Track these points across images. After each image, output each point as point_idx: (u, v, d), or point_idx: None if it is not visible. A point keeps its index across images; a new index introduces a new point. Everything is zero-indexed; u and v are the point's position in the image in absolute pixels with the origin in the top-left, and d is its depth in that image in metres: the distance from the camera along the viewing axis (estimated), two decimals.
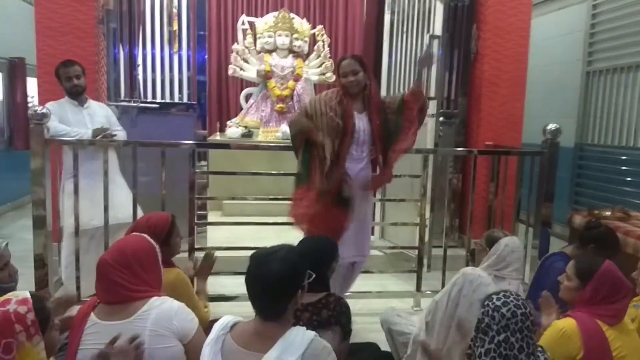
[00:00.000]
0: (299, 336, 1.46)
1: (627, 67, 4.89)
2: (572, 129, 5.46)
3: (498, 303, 1.54)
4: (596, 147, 5.32)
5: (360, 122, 2.73)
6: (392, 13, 4.43)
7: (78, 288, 3.10)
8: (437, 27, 3.86)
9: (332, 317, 2.01)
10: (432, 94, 3.89)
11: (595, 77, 5.34)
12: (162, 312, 1.66)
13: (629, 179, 4.80)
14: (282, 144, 5.06)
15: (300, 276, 1.54)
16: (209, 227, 4.20)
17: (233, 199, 4.52)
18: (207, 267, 2.54)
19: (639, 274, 2.25)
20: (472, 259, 2.70)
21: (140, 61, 4.10)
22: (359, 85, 2.70)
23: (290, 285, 1.50)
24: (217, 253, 3.55)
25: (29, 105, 6.18)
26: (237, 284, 3.31)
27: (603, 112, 5.22)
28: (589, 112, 5.41)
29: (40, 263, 2.99)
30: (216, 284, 3.42)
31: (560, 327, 1.82)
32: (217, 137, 6.15)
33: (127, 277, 1.68)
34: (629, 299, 1.93)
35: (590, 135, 5.40)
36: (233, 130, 5.84)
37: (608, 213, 3.63)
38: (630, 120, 4.84)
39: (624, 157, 4.91)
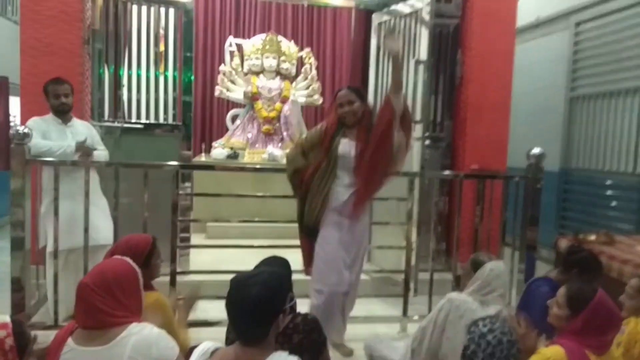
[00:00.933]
0: None
1: (609, 93, 4.99)
2: (557, 154, 5.53)
3: (484, 330, 1.53)
4: (581, 171, 5.38)
5: (346, 147, 2.78)
6: (378, 38, 4.49)
7: (56, 312, 3.02)
8: (423, 52, 3.91)
9: (304, 339, 1.95)
10: (417, 117, 3.92)
11: (579, 103, 5.43)
12: (141, 339, 1.62)
13: (613, 203, 4.85)
14: (268, 166, 5.04)
15: (282, 300, 1.51)
16: (192, 250, 4.13)
17: (216, 220, 4.46)
18: (191, 301, 2.47)
19: (626, 298, 2.24)
20: (458, 284, 2.68)
21: (125, 81, 4.08)
22: (355, 115, 2.77)
23: (271, 309, 1.47)
24: (200, 277, 3.54)
25: (11, 124, 6.10)
26: (220, 309, 3.20)
27: (587, 136, 5.30)
28: (574, 137, 5.49)
29: (18, 286, 2.91)
30: (198, 308, 3.33)
31: (547, 356, 1.79)
32: (202, 158, 6.11)
33: (107, 302, 1.63)
34: (618, 329, 1.90)
35: (575, 159, 5.47)
36: (219, 151, 5.80)
37: (593, 237, 3.64)
38: (614, 145, 4.91)
39: (608, 182, 4.97)
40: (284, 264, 2.12)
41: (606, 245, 3.50)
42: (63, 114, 3.21)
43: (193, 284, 3.33)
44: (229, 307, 1.47)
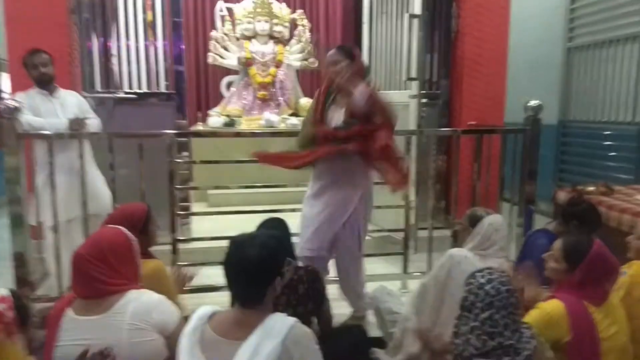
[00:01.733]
0: (279, 322, 1.44)
1: (607, 41, 4.89)
2: (555, 106, 5.47)
3: (482, 280, 1.53)
4: (579, 123, 5.34)
5: (333, 114, 2.63)
6: None
7: (60, 285, 3.05)
8: (417, 6, 3.81)
9: (308, 289, 2.00)
10: (413, 74, 3.86)
11: (577, 53, 5.34)
12: (141, 305, 1.64)
13: (612, 153, 4.83)
14: (266, 131, 5.01)
15: (279, 263, 1.52)
16: (194, 219, 4.15)
17: (216, 188, 4.46)
18: (183, 280, 2.47)
19: (633, 238, 2.24)
20: (456, 240, 2.69)
21: (115, 52, 4.00)
22: (339, 75, 2.55)
23: (269, 271, 1.47)
24: (202, 244, 3.57)
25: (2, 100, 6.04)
26: (221, 275, 3.28)
27: (585, 87, 5.23)
28: (571, 89, 5.42)
29: (20, 261, 2.93)
30: (202, 275, 3.38)
31: (547, 311, 1.79)
32: (199, 127, 6.05)
33: (103, 271, 1.64)
34: (616, 277, 1.90)
35: (573, 111, 5.42)
36: (215, 119, 5.75)
37: (592, 188, 3.64)
38: (612, 95, 4.86)
39: (606, 132, 4.93)
40: (282, 225, 2.14)
41: (605, 195, 3.50)
42: (45, 84, 3.16)
43: (196, 252, 3.40)
44: (227, 268, 1.48)
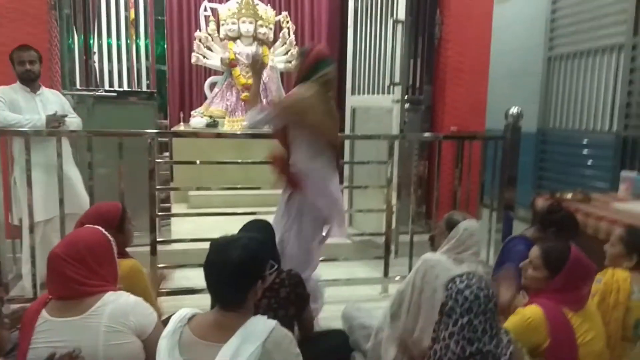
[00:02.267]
0: (260, 325, 1.43)
1: (586, 51, 4.99)
2: (534, 114, 5.55)
3: (461, 286, 1.53)
4: (558, 131, 5.42)
5: None
6: (356, 0, 4.39)
7: (34, 285, 2.99)
8: (401, 12, 3.84)
9: (291, 293, 1.99)
10: (397, 79, 3.89)
11: (557, 62, 5.43)
12: (118, 307, 1.60)
13: (589, 161, 4.92)
14: (248, 133, 4.98)
15: (261, 265, 1.51)
16: (174, 220, 4.10)
17: (197, 189, 4.42)
18: (158, 281, 2.44)
19: (609, 246, 2.28)
20: (432, 244, 2.71)
21: (96, 49, 3.94)
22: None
23: (250, 274, 1.46)
24: (182, 245, 3.53)
25: None
26: (201, 277, 3.23)
27: (564, 96, 5.32)
28: (551, 97, 5.51)
29: None
30: (181, 277, 3.34)
31: (527, 317, 1.80)
32: (181, 127, 6.01)
33: (79, 271, 1.60)
34: (592, 282, 1.93)
35: (552, 119, 5.51)
36: (197, 120, 5.71)
37: (569, 196, 3.69)
38: (590, 104, 4.95)
39: (584, 141, 5.03)
40: (265, 227, 2.12)
41: (582, 203, 3.55)
42: (29, 81, 3.10)
43: (175, 253, 3.36)
44: (208, 271, 1.46)
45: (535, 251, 1.94)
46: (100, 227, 1.78)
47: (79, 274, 1.60)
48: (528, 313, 1.81)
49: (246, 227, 2.05)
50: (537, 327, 1.77)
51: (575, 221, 2.64)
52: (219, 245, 1.47)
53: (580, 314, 1.82)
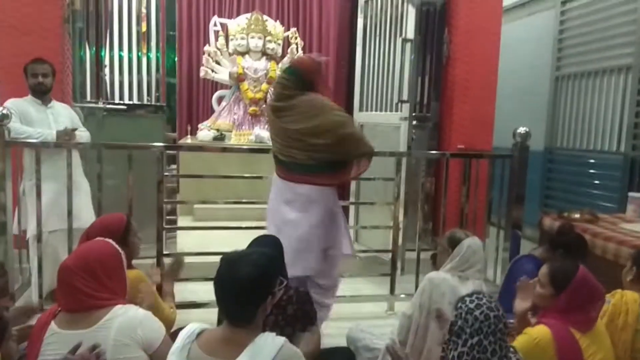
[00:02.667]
0: (269, 342, 1.42)
1: (594, 72, 5.00)
2: (541, 133, 5.55)
3: (471, 305, 1.52)
4: (565, 150, 5.41)
5: None
6: (365, 17, 4.44)
7: (41, 296, 2.99)
8: (410, 31, 3.88)
9: (298, 310, 1.97)
10: (405, 97, 3.91)
11: (564, 82, 5.44)
12: (126, 320, 1.60)
13: (596, 181, 4.90)
14: (255, 147, 5.01)
15: (272, 282, 1.51)
16: (179, 233, 4.10)
17: (203, 202, 4.43)
18: (175, 269, 2.45)
19: (625, 272, 2.27)
20: (434, 263, 2.70)
21: (107, 62, 3.98)
22: None
23: (261, 291, 1.45)
24: (188, 259, 3.51)
25: None
26: (207, 290, 3.21)
27: (572, 116, 5.32)
28: (558, 116, 5.51)
29: (1, 271, 2.85)
30: (186, 290, 3.33)
31: (534, 337, 1.80)
32: (188, 140, 6.04)
33: (89, 284, 1.61)
34: (602, 304, 1.92)
35: (559, 138, 5.50)
36: (204, 133, 5.74)
37: (577, 215, 3.68)
38: (598, 124, 4.95)
39: (591, 161, 5.01)
40: (275, 243, 2.12)
41: (590, 223, 3.54)
42: (41, 94, 3.13)
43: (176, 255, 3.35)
44: (218, 286, 1.45)
45: (543, 269, 1.96)
46: (110, 240, 1.79)
47: (88, 287, 1.60)
48: (535, 333, 1.81)
49: (255, 243, 2.04)
50: (545, 348, 1.77)
51: (584, 243, 2.64)
52: (230, 261, 1.47)
53: (588, 335, 1.82)
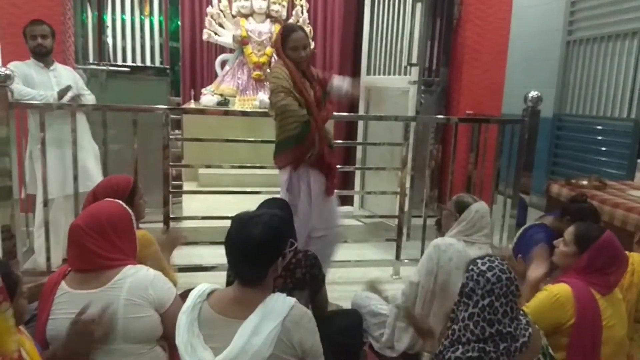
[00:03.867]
0: (279, 302, 1.42)
1: (607, 36, 4.89)
2: (551, 99, 5.46)
3: (483, 268, 1.52)
4: (574, 117, 5.35)
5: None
6: None
7: (48, 259, 3.01)
8: None
9: (306, 274, 1.98)
10: (414, 60, 3.82)
11: (575, 47, 5.33)
12: (137, 280, 1.61)
13: (605, 148, 4.86)
14: (259, 111, 4.95)
15: (283, 242, 1.50)
16: (184, 198, 4.11)
17: (209, 167, 4.42)
18: (173, 243, 2.43)
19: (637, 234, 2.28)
20: (439, 229, 2.69)
21: (109, 24, 3.90)
22: (308, 60, 2.60)
23: (272, 251, 1.45)
24: (194, 223, 3.53)
25: None
26: (214, 255, 3.28)
27: (582, 82, 5.23)
28: (568, 82, 5.42)
29: (8, 234, 2.88)
30: (193, 254, 3.36)
31: (555, 293, 1.80)
32: (191, 105, 5.98)
33: (100, 244, 1.61)
34: (623, 271, 1.91)
35: (568, 105, 5.43)
36: (208, 98, 5.67)
37: (585, 182, 3.65)
38: (609, 90, 4.87)
39: (599, 127, 4.96)
40: (285, 205, 2.11)
41: (598, 189, 3.52)
42: (41, 56, 3.08)
43: (186, 231, 3.36)
44: (229, 247, 1.44)
45: (570, 228, 1.96)
46: (120, 201, 1.78)
47: (99, 247, 1.60)
48: (556, 290, 1.82)
49: (264, 205, 2.03)
50: (564, 304, 1.78)
51: (597, 213, 2.61)
52: (241, 221, 1.45)
53: (606, 298, 1.83)
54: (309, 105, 2.52)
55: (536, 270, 2.05)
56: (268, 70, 5.89)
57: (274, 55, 5.88)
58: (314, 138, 2.53)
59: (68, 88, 3.02)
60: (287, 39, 2.52)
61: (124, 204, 1.76)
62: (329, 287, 2.21)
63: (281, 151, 2.63)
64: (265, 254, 1.43)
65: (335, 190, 2.80)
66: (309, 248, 2.64)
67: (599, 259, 1.83)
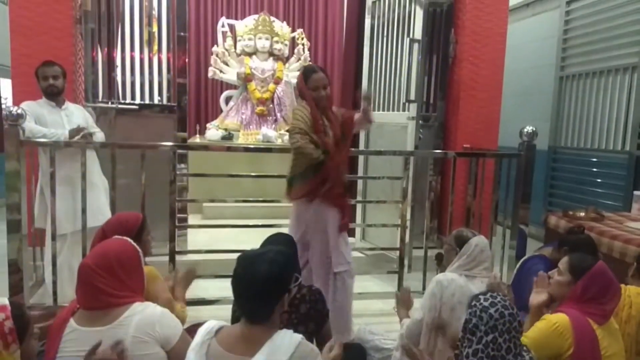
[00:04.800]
0: (286, 339, 1.44)
1: (598, 71, 5.03)
2: (545, 132, 5.58)
3: (486, 304, 1.53)
4: (569, 149, 5.44)
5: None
6: (373, 17, 4.46)
7: (55, 293, 3.04)
8: (417, 31, 3.91)
9: (311, 309, 1.99)
10: (412, 97, 3.94)
11: (568, 82, 5.47)
12: (145, 318, 1.63)
13: (601, 180, 4.93)
14: (263, 147, 5.06)
15: (288, 279, 1.53)
16: (189, 231, 4.15)
17: (212, 201, 4.48)
18: (188, 278, 2.48)
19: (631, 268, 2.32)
20: (439, 263, 2.72)
21: (118, 62, 4.03)
22: (330, 100, 2.68)
23: (278, 288, 1.48)
24: (198, 256, 3.57)
25: (3, 106, 6.01)
26: (217, 288, 3.32)
27: (575, 115, 5.35)
28: (562, 116, 5.54)
29: (15, 268, 2.91)
30: (197, 287, 3.37)
31: (553, 322, 1.83)
32: (196, 139, 6.09)
33: (109, 282, 1.63)
34: (617, 301, 1.94)
35: (563, 138, 5.53)
36: (213, 132, 5.79)
37: (582, 214, 3.71)
38: (602, 124, 4.97)
39: (595, 159, 5.04)
40: (288, 240, 2.15)
41: (595, 221, 3.57)
42: (53, 96, 3.17)
43: (191, 264, 3.39)
44: (236, 285, 1.47)
45: (564, 259, 2.01)
46: (128, 239, 1.82)
47: (108, 286, 1.62)
48: (554, 319, 1.85)
49: (269, 241, 2.07)
50: (563, 333, 1.80)
51: (594, 246, 2.65)
52: (247, 259, 1.48)
53: (603, 327, 1.85)
54: (326, 145, 2.60)
55: (538, 296, 2.07)
56: (271, 105, 6.03)
57: (277, 90, 6.04)
58: (327, 174, 2.61)
59: (80, 129, 3.08)
60: (308, 79, 2.63)
61: (132, 242, 1.80)
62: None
63: (295, 184, 2.70)
64: (272, 291, 1.46)
65: None
66: (335, 285, 2.74)
67: (593, 287, 1.87)
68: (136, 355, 1.57)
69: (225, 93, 6.44)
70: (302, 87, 2.66)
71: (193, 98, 7.09)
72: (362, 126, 2.94)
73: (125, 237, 1.85)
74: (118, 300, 1.64)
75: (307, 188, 2.64)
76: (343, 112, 2.84)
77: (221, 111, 6.35)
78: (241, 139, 5.81)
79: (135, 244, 1.81)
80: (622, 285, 2.21)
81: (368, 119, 2.81)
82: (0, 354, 1.37)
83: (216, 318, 1.60)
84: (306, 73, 2.67)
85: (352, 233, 4.53)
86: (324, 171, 2.60)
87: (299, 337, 1.47)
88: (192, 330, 1.67)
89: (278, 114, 6.06)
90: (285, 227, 3.17)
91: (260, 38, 6.04)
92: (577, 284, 1.90)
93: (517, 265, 3.01)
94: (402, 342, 2.32)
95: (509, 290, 2.39)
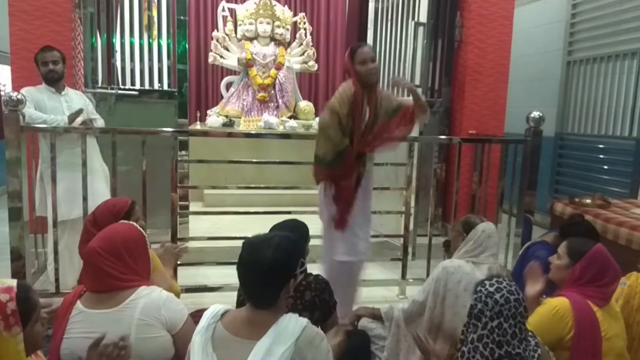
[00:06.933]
0: (292, 323, 1.43)
1: (606, 56, 4.96)
2: (552, 118, 5.53)
3: (491, 289, 1.53)
4: (576, 136, 5.40)
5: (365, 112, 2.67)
6: (377, 1, 4.40)
7: (57, 280, 3.03)
8: (422, 15, 3.85)
9: (316, 297, 1.98)
10: (417, 82, 3.89)
11: (576, 67, 5.41)
12: (151, 301, 1.64)
13: (607, 167, 4.89)
14: (264, 133, 5.01)
15: (294, 264, 1.52)
16: (190, 218, 4.13)
17: (213, 188, 4.45)
18: (170, 253, 2.43)
19: None
20: (447, 250, 2.70)
21: (118, 48, 3.98)
22: (377, 74, 2.64)
23: (284, 273, 1.46)
24: (200, 244, 3.55)
25: (1, 92, 5.97)
26: (220, 275, 3.30)
27: (583, 101, 5.30)
28: (569, 102, 5.48)
29: (17, 255, 2.90)
30: (199, 274, 3.37)
31: (554, 305, 1.84)
32: (197, 126, 6.04)
33: (115, 266, 1.64)
34: (617, 283, 1.95)
35: (570, 124, 5.48)
36: (214, 119, 5.73)
37: (588, 201, 3.68)
38: (610, 109, 4.92)
39: (601, 146, 5.00)
40: (295, 226, 2.13)
41: (602, 208, 3.54)
42: (53, 82, 3.14)
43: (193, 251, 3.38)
44: (241, 270, 1.46)
45: (563, 243, 2.03)
46: (134, 223, 1.81)
47: (114, 269, 1.63)
48: (555, 302, 1.86)
49: (276, 227, 2.05)
50: (564, 316, 1.81)
51: (595, 233, 2.62)
52: (253, 244, 1.47)
53: (604, 310, 1.87)
54: (354, 131, 2.58)
55: (533, 287, 2.08)
56: (272, 91, 5.97)
57: (278, 77, 5.97)
58: (349, 165, 2.61)
59: (79, 112, 3.07)
60: (355, 54, 2.59)
61: (137, 226, 1.80)
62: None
63: (317, 166, 2.68)
64: (277, 276, 1.45)
65: None
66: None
67: (591, 269, 1.89)
68: (142, 338, 1.59)
69: (226, 79, 6.38)
70: (349, 64, 2.62)
71: (193, 84, 7.04)
72: (420, 118, 2.84)
73: (131, 222, 1.86)
74: (124, 283, 1.65)
75: (325, 173, 2.65)
76: (402, 101, 2.79)
77: (222, 97, 6.28)
78: (242, 126, 5.76)
79: (140, 229, 1.81)
80: (635, 273, 2.20)
81: (422, 109, 2.76)
82: (0, 334, 1.34)
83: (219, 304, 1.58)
84: (353, 48, 2.64)
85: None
86: (344, 162, 2.59)
87: (304, 320, 1.46)
88: (196, 315, 1.67)
89: (280, 100, 5.99)
90: (286, 214, 3.15)
91: (261, 22, 5.96)
92: (575, 267, 1.92)
93: (520, 251, 2.99)
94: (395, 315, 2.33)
95: (508, 275, 2.38)
